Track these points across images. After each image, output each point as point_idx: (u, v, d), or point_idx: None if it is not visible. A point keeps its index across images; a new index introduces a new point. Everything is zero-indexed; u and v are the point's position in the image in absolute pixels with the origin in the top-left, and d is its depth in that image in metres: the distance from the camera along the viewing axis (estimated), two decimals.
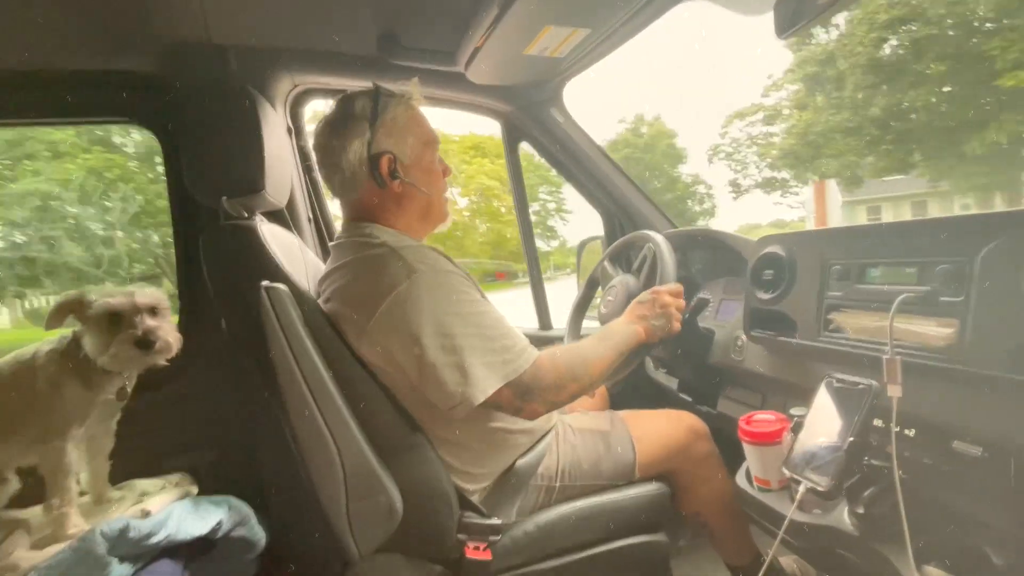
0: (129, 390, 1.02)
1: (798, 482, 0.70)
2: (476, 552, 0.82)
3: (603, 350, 0.89)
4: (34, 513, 0.96)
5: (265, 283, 0.72)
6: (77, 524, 0.91)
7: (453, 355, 0.74)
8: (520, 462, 0.91)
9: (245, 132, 0.82)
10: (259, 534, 1.14)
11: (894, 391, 0.66)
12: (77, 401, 0.95)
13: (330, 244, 0.92)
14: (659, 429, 1.03)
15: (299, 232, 1.22)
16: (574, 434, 1.00)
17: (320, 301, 0.84)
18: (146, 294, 0.90)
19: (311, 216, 1.32)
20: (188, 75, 1.11)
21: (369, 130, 0.87)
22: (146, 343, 0.86)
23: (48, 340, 0.98)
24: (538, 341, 1.59)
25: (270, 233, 0.83)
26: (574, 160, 1.56)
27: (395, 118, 0.89)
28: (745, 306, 1.05)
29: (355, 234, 0.87)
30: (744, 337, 1.08)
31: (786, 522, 0.70)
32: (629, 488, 0.96)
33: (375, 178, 0.87)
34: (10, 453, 0.97)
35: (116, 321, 0.88)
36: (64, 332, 0.97)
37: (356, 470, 0.72)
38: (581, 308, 1.36)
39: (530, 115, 1.52)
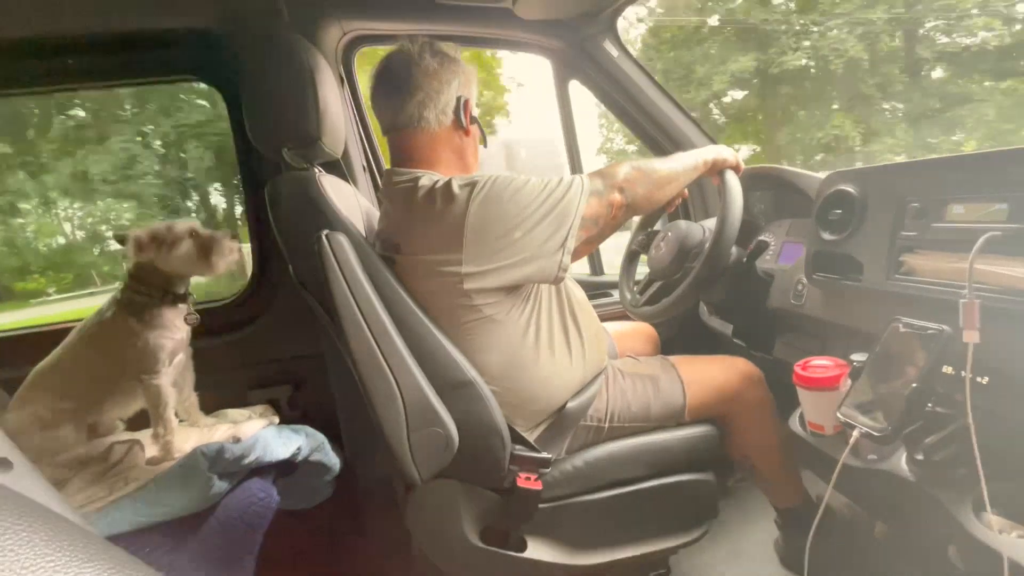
0: (195, 319, 1.16)
1: (853, 427, 0.68)
2: (527, 482, 0.88)
3: (673, 160, 0.97)
4: (146, 435, 1.11)
5: (325, 231, 0.76)
6: (180, 448, 1.05)
7: (537, 223, 0.81)
8: (571, 404, 0.94)
9: (300, 83, 0.83)
10: (333, 459, 1.27)
11: (970, 336, 0.62)
12: (154, 340, 1.08)
13: (383, 189, 0.94)
14: (711, 374, 1.03)
15: (354, 181, 1.26)
16: (624, 378, 1.01)
17: (380, 248, 0.88)
18: (190, 221, 1.12)
19: (365, 165, 1.35)
20: (244, 28, 1.14)
21: (460, 74, 0.92)
22: (208, 249, 1.09)
23: (105, 302, 1.13)
24: (589, 287, 1.61)
25: (328, 183, 0.86)
26: (629, 97, 1.48)
27: (469, 69, 0.93)
28: (808, 248, 1.00)
29: (411, 177, 0.89)
30: (805, 281, 1.03)
31: (839, 466, 0.70)
32: (678, 429, 0.98)
33: (458, 120, 0.92)
34: (116, 404, 1.13)
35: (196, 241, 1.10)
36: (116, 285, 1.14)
37: (415, 404, 0.78)
38: (634, 254, 1.35)
39: (582, 51, 1.44)
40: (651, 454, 0.94)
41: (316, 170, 0.89)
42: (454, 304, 0.84)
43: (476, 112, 0.97)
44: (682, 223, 1.19)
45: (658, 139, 1.51)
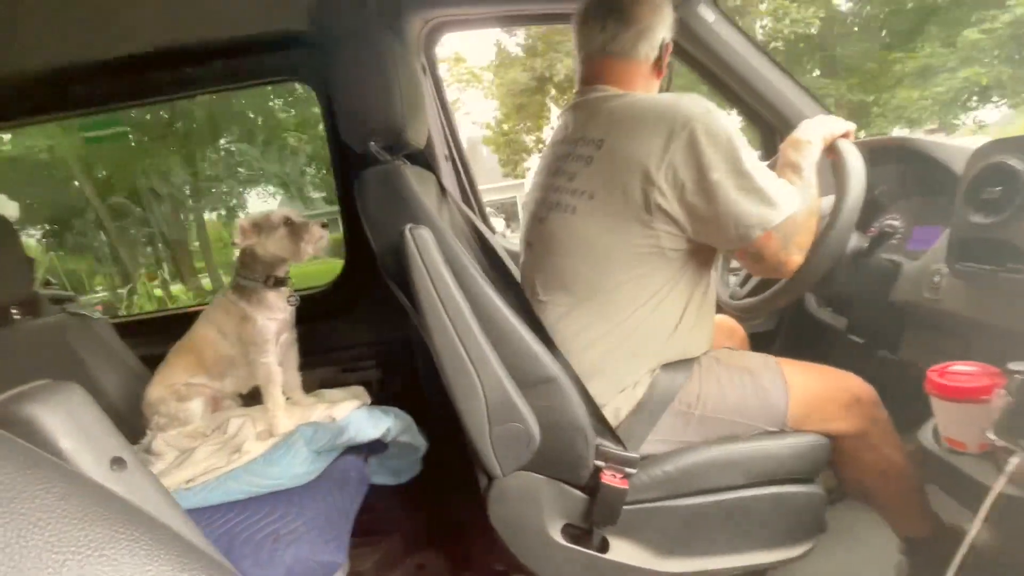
0: (295, 300, 1.26)
1: (1011, 452, 0.57)
2: (612, 480, 0.84)
3: (804, 184, 0.88)
4: (258, 411, 1.22)
5: (409, 225, 0.76)
6: (285, 424, 1.14)
7: (747, 188, 0.79)
8: (660, 384, 0.89)
9: (383, 76, 0.84)
10: (420, 440, 1.32)
11: None
12: (262, 322, 1.18)
13: (575, 102, 0.97)
14: (816, 386, 0.92)
15: (436, 170, 1.28)
16: (719, 366, 0.94)
17: (568, 149, 0.93)
18: (288, 209, 1.20)
19: (448, 154, 1.36)
20: (333, 27, 1.18)
21: (670, 15, 0.95)
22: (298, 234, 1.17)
23: (221, 290, 1.24)
24: None
25: (413, 175, 0.87)
26: (727, 67, 1.34)
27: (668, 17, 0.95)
28: (951, 233, 0.85)
29: (615, 94, 0.92)
30: (945, 271, 0.88)
31: (993, 494, 0.59)
32: (782, 437, 0.89)
33: (658, 59, 0.95)
34: (235, 381, 1.25)
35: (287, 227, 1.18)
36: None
37: (496, 399, 0.77)
38: None
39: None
40: (750, 462, 0.86)
41: (401, 162, 0.91)
42: (632, 226, 0.83)
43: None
44: None
45: (762, 112, 1.36)
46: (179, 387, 1.20)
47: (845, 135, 0.93)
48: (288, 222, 1.19)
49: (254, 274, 1.20)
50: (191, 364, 1.22)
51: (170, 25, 1.21)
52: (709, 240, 0.86)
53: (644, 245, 0.84)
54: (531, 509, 0.86)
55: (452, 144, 1.39)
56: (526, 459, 0.81)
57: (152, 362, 1.28)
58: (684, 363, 0.92)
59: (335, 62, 0.89)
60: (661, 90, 1.00)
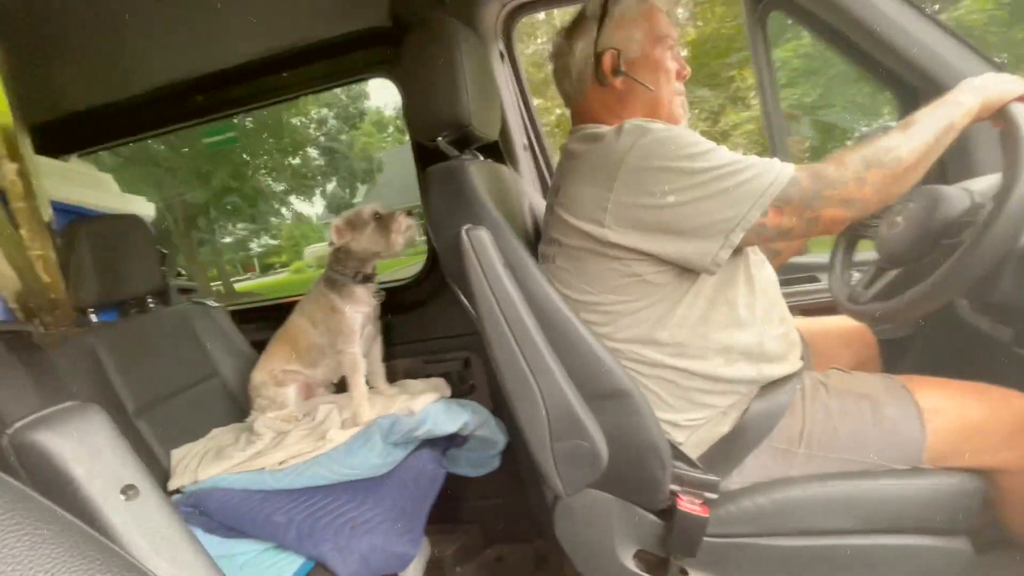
0: (381, 295, 1.29)
1: None
2: (691, 507, 0.75)
3: (919, 128, 0.70)
4: (344, 398, 1.29)
5: (466, 227, 0.73)
6: (367, 413, 1.18)
7: (703, 197, 0.70)
8: (750, 419, 0.77)
9: (450, 68, 0.81)
10: (498, 435, 1.30)
11: None
12: (350, 314, 1.23)
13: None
14: (971, 411, 0.74)
15: (513, 161, 1.23)
16: (829, 394, 0.79)
17: (552, 212, 0.87)
18: (378, 204, 1.23)
19: (527, 143, 1.30)
20: (409, 18, 1.17)
21: (596, 28, 0.86)
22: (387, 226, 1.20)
23: (314, 283, 1.30)
24: (790, 268, 1.32)
25: (479, 171, 0.83)
26: (856, 23, 1.12)
27: (624, 12, 0.86)
28: None
29: (576, 135, 0.86)
30: None
31: None
32: (916, 476, 0.72)
33: (598, 76, 0.86)
34: (326, 370, 1.32)
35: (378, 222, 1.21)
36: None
37: (559, 413, 0.72)
38: (854, 230, 1.03)
39: None
40: (871, 504, 0.72)
41: (468, 158, 0.87)
42: (603, 264, 0.77)
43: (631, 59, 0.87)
44: (933, 187, 0.86)
45: (903, 75, 1.12)
46: (277, 373, 1.29)
47: (1021, 98, 0.72)
48: (377, 216, 1.22)
49: (345, 270, 1.26)
50: (288, 352, 1.31)
51: (267, 35, 1.28)
52: (693, 260, 0.73)
53: (620, 275, 0.77)
54: (600, 531, 0.80)
55: (532, 132, 1.33)
56: (592, 479, 0.75)
57: (260, 347, 1.41)
58: (780, 391, 0.79)
59: (404, 56, 0.87)
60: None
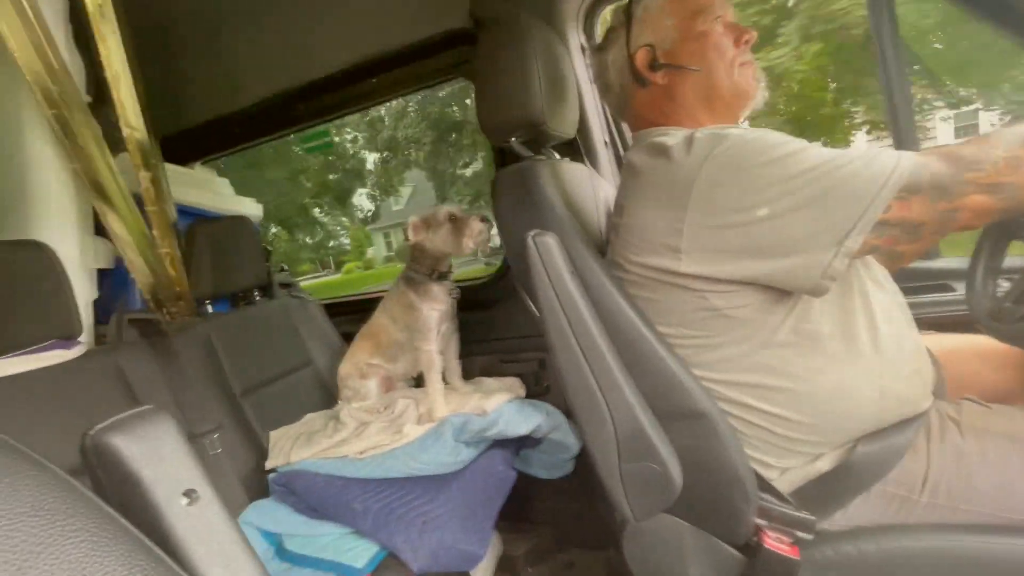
0: (457, 293, 1.32)
1: None
2: (778, 545, 0.67)
3: None
4: (420, 393, 1.33)
5: (532, 232, 0.70)
6: (441, 409, 1.21)
7: (805, 204, 0.59)
8: (858, 454, 0.67)
9: (521, 68, 0.79)
10: (572, 440, 1.27)
11: None
12: (427, 312, 1.27)
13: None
14: None
15: (593, 158, 1.18)
16: (962, 433, 0.66)
17: (616, 233, 0.80)
18: (453, 205, 1.24)
19: (608, 139, 1.25)
20: (486, 17, 1.16)
21: (625, 33, 0.79)
22: (460, 229, 1.21)
23: (394, 281, 1.35)
24: (907, 274, 1.13)
25: (551, 172, 0.80)
26: None
27: (648, 6, 0.79)
28: None
29: (639, 145, 0.78)
30: None
31: None
32: None
33: (637, 79, 0.79)
34: (407, 367, 1.37)
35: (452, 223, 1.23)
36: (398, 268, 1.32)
37: (628, 431, 0.67)
38: (997, 231, 0.85)
39: None
40: (1011, 569, 0.59)
41: (541, 158, 0.85)
42: (676, 295, 0.68)
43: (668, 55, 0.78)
44: None
45: None
46: (362, 366, 1.37)
47: None
48: (452, 218, 1.24)
49: (422, 268, 1.29)
50: (371, 347, 1.38)
51: (357, 45, 1.35)
52: (798, 278, 0.62)
53: (695, 308, 0.68)
54: (673, 561, 0.74)
55: (613, 128, 1.27)
56: (664, 505, 0.70)
57: (348, 339, 1.50)
58: (900, 429, 0.67)
59: (477, 56, 0.87)
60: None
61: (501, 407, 1.24)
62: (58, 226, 1.22)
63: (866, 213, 0.57)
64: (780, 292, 0.65)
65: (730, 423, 0.68)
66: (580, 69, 1.18)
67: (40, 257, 1.00)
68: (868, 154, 0.60)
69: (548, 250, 0.68)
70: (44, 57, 1.06)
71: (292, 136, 1.82)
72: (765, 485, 0.68)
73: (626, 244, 0.72)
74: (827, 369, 0.66)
